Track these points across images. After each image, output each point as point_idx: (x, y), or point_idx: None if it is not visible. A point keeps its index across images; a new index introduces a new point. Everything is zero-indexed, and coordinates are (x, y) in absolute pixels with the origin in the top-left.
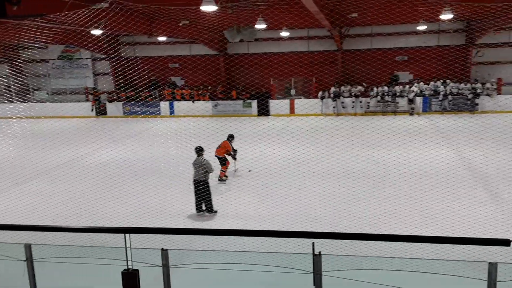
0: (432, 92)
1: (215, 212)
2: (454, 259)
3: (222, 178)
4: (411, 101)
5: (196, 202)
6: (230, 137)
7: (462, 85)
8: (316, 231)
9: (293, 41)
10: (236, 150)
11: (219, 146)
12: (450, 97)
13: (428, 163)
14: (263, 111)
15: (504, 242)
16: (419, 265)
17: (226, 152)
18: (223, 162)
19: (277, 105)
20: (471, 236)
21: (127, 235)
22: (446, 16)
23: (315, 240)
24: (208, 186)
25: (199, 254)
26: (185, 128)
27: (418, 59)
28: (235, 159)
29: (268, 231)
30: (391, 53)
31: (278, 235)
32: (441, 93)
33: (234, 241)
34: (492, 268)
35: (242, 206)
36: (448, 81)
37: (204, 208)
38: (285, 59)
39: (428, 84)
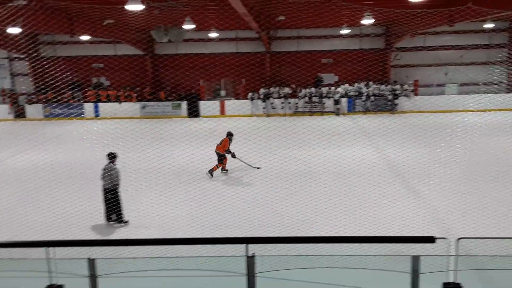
0: (356, 93)
1: (126, 222)
2: (380, 254)
3: (212, 172)
4: (337, 102)
5: (105, 211)
6: (230, 135)
7: (383, 86)
8: (248, 232)
9: (222, 42)
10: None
11: (220, 143)
12: (372, 98)
13: (353, 161)
14: (193, 112)
15: (428, 239)
16: (348, 261)
17: (224, 149)
18: (221, 159)
19: (207, 106)
20: (394, 231)
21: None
22: (367, 21)
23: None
24: (117, 195)
25: (129, 262)
26: (112, 130)
27: (342, 61)
28: (234, 157)
29: (201, 239)
30: (317, 55)
31: (210, 242)
32: (364, 94)
33: (165, 247)
34: (415, 261)
35: (174, 208)
36: (370, 82)
37: (114, 218)
38: (215, 60)
39: (353, 86)
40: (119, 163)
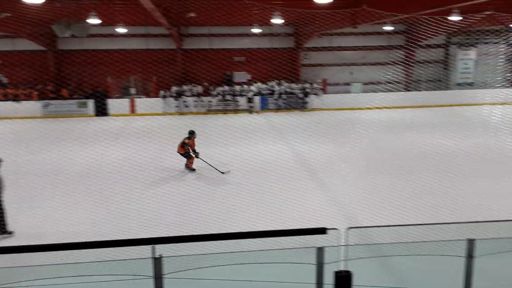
0: (268, 91)
1: (10, 233)
2: (288, 248)
3: (190, 168)
4: (250, 100)
5: None
6: (191, 133)
7: (294, 85)
8: (157, 234)
9: (131, 38)
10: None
11: (178, 145)
12: (284, 96)
13: (266, 158)
14: (101, 111)
15: (321, 231)
16: (258, 256)
17: (181, 147)
18: (186, 157)
19: (116, 104)
20: (304, 224)
21: None
22: (276, 20)
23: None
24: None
25: (28, 270)
26: (10, 131)
27: (254, 60)
28: (197, 157)
29: (104, 242)
30: (230, 53)
31: (114, 244)
32: (276, 92)
33: (65, 253)
34: (320, 252)
35: (77, 211)
36: (282, 81)
37: None
38: (123, 56)
39: (265, 84)
40: (10, 167)
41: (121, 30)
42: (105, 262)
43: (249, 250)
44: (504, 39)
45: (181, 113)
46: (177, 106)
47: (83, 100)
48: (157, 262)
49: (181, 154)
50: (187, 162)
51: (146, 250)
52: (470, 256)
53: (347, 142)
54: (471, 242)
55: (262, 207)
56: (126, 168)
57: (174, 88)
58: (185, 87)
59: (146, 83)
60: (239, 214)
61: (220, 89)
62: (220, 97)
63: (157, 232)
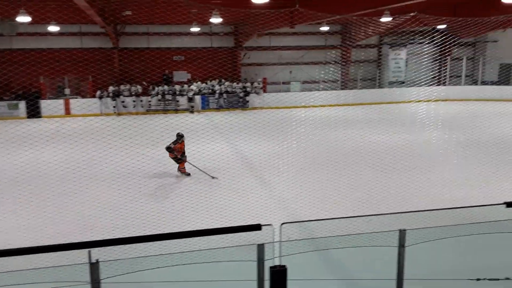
0: (209, 90)
1: None
2: (227, 246)
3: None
4: (191, 100)
5: None
6: (180, 137)
7: (235, 84)
8: (93, 238)
9: (64, 37)
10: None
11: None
12: (225, 95)
13: (208, 157)
14: (33, 112)
15: (256, 227)
16: (198, 256)
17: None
18: (176, 161)
19: (49, 105)
20: (247, 222)
21: None
22: (215, 19)
23: (92, 248)
24: None
25: None
26: None
27: (194, 59)
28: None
29: (35, 248)
30: (169, 52)
31: (46, 250)
32: (217, 91)
33: None
34: (260, 249)
35: (10, 218)
36: (223, 80)
37: None
38: (56, 56)
39: (206, 84)
40: None
41: (54, 28)
42: (40, 269)
43: (189, 250)
44: (430, 39)
45: (119, 114)
46: (114, 107)
47: (14, 102)
48: (94, 267)
49: (172, 159)
50: (178, 167)
51: (84, 254)
52: (402, 246)
53: (287, 140)
54: (402, 232)
55: (205, 206)
56: (61, 171)
57: (111, 88)
58: (122, 87)
59: (81, 83)
60: (181, 214)
61: (159, 88)
62: (159, 96)
63: (94, 236)
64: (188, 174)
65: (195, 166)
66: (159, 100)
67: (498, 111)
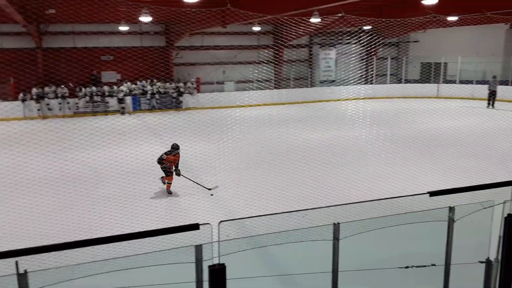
0: (140, 91)
1: None
2: (166, 249)
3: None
4: (121, 101)
5: None
6: (174, 148)
7: (168, 84)
8: (21, 247)
9: None
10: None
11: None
12: (157, 96)
13: (141, 160)
14: None
15: (194, 227)
16: (141, 260)
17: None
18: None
19: None
20: (184, 223)
21: None
22: (145, 18)
23: (19, 258)
24: None
25: None
26: None
27: (124, 59)
28: (178, 175)
29: None
30: (97, 52)
31: None
32: (149, 92)
33: None
34: (198, 250)
35: None
36: (155, 80)
37: None
38: None
39: (136, 84)
40: None
41: None
42: None
43: (124, 256)
44: (357, 39)
45: (44, 117)
46: (39, 110)
47: None
48: (22, 278)
49: (162, 169)
50: (163, 177)
51: (11, 265)
52: (336, 239)
53: (222, 140)
54: (336, 226)
55: (142, 210)
56: None
57: (35, 90)
58: (47, 89)
59: (2, 86)
60: (115, 218)
61: (87, 89)
62: (87, 98)
63: (22, 245)
64: (170, 193)
65: (191, 180)
66: (87, 102)
67: (420, 108)
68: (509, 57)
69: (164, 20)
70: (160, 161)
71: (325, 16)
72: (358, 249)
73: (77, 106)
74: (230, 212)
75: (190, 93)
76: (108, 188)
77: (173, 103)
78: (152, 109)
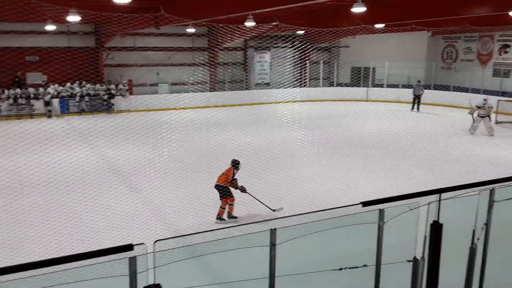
0: (69, 93)
1: None
2: (97, 263)
3: (221, 217)
4: (47, 104)
5: None
6: (235, 164)
7: (98, 86)
8: None
9: None
10: (235, 179)
11: (222, 174)
12: (87, 98)
13: (70, 166)
14: None
15: (127, 248)
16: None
17: (226, 179)
18: (224, 193)
19: None
20: (122, 235)
21: None
22: (73, 18)
23: None
24: None
25: None
26: None
27: (50, 60)
28: (243, 191)
29: None
30: (21, 52)
31: None
32: (78, 94)
33: None
34: (132, 261)
35: None
36: (84, 82)
37: None
38: None
39: (64, 86)
40: None
41: None
42: None
43: (51, 271)
44: (291, 44)
45: None
46: None
47: None
48: None
49: (222, 190)
50: (224, 207)
51: None
52: (273, 245)
53: (156, 144)
54: (273, 232)
55: (71, 220)
56: None
57: None
58: None
59: None
60: (39, 232)
61: (10, 92)
62: (11, 101)
63: None
64: (235, 217)
65: (256, 198)
66: (10, 104)
67: (351, 110)
68: (431, 62)
69: (94, 20)
70: (232, 181)
71: (260, 25)
72: (294, 253)
73: (0, 109)
74: (166, 219)
75: (122, 95)
76: (33, 197)
77: (104, 105)
78: (81, 112)
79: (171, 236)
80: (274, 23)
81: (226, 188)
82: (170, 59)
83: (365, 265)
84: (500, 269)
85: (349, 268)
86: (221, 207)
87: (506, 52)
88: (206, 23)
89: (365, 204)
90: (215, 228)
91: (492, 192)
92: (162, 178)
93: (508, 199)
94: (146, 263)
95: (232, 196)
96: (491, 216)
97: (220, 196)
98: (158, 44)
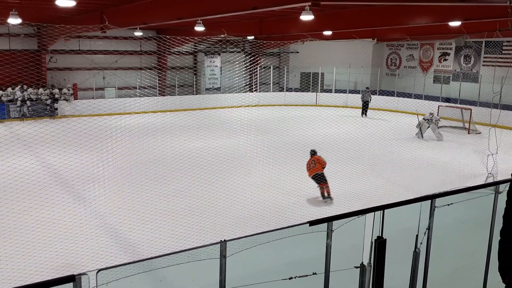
0: (9, 98)
1: None
2: None
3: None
4: None
5: None
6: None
7: (41, 90)
8: None
9: None
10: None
11: (313, 165)
12: (28, 102)
13: (9, 174)
14: None
15: (69, 279)
16: None
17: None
18: (323, 179)
19: None
20: (62, 251)
21: None
22: (14, 20)
23: None
24: None
25: None
26: None
27: None
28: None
29: None
30: None
31: None
32: (19, 99)
33: None
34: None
35: None
36: (25, 86)
37: None
38: None
39: (4, 90)
40: None
41: None
42: None
43: None
44: (241, 48)
45: None
46: None
47: None
48: None
49: (318, 178)
50: (324, 188)
51: None
52: (223, 257)
53: (102, 150)
54: (223, 244)
55: (8, 234)
56: None
57: None
58: None
59: None
60: None
61: None
62: None
63: None
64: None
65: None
66: None
67: (301, 115)
68: (376, 68)
69: (36, 22)
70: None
71: (208, 37)
72: (246, 264)
73: None
74: (112, 228)
75: (66, 100)
76: None
77: (47, 110)
78: (23, 117)
79: (124, 256)
80: (222, 35)
81: (323, 174)
82: (117, 63)
83: (314, 273)
84: (441, 270)
85: (299, 276)
86: (322, 188)
87: (445, 59)
88: (154, 26)
89: (312, 223)
90: (168, 243)
91: (433, 200)
92: (108, 187)
93: (448, 204)
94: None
95: (326, 181)
96: (432, 221)
97: (319, 182)
98: (105, 48)
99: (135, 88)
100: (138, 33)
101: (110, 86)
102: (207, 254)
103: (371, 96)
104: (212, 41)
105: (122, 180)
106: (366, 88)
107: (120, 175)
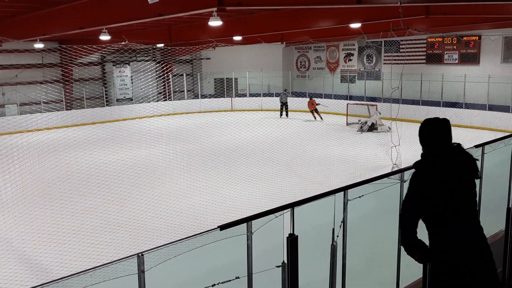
0: None
1: None
2: None
3: None
4: None
5: None
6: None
7: None
8: None
9: None
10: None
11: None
12: None
13: None
14: None
15: None
16: None
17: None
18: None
19: None
20: None
21: None
22: None
23: None
24: None
25: None
26: None
27: None
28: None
29: None
30: None
31: None
32: None
33: None
34: None
35: None
36: None
37: None
38: None
39: None
40: None
41: None
42: None
43: None
44: (151, 57)
45: None
46: None
47: None
48: None
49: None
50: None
51: None
52: (142, 272)
53: (6, 171)
54: (140, 258)
55: None
56: None
57: None
58: None
59: None
60: None
61: None
62: None
63: None
64: None
65: None
66: None
67: (218, 121)
68: (287, 71)
69: None
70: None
71: (114, 45)
72: (166, 276)
73: None
74: (21, 254)
75: None
76: None
77: None
78: None
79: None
80: (123, 42)
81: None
82: (17, 77)
83: (237, 277)
84: (358, 260)
85: (221, 282)
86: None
87: (350, 60)
88: (56, 37)
89: (223, 227)
90: (84, 263)
91: (345, 192)
92: (14, 210)
93: (359, 196)
94: None
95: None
96: (346, 214)
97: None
98: (2, 62)
99: (39, 103)
100: (38, 45)
101: (11, 103)
102: (124, 270)
103: (288, 97)
104: (121, 51)
105: (29, 202)
106: (285, 90)
107: (27, 196)
